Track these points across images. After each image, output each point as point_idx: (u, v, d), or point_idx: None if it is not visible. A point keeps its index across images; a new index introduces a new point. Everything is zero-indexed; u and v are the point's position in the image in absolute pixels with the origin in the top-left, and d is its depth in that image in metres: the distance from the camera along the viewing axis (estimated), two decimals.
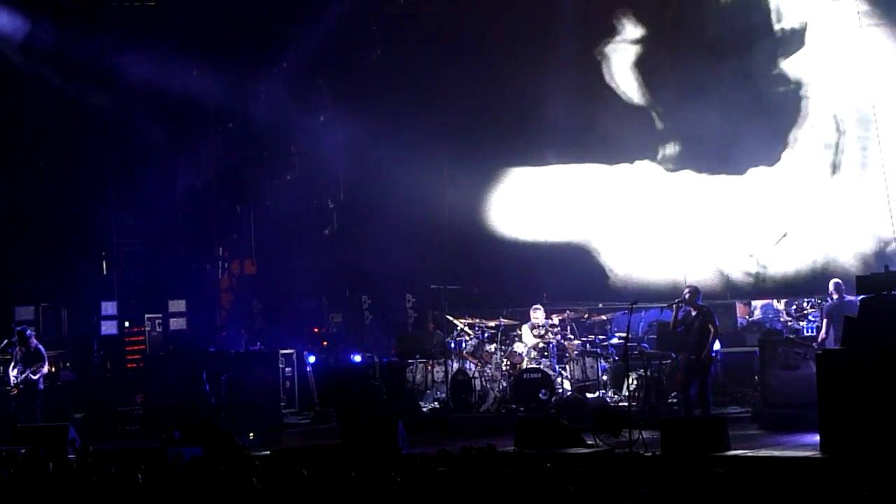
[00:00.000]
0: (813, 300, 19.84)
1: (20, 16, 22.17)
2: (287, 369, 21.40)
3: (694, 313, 17.22)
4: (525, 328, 19.88)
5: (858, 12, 20.15)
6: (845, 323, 15.17)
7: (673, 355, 18.42)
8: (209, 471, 11.45)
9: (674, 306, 17.38)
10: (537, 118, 22.20)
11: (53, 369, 20.94)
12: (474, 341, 20.14)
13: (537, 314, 19.82)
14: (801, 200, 20.64)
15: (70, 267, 23.43)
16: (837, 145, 20.46)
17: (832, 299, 18.01)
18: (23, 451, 13.64)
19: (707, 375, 17.25)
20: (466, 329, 20.37)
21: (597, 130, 21.82)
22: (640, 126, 21.72)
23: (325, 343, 23.67)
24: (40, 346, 19.66)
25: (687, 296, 17.24)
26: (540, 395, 18.79)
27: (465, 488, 10.07)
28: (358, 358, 22.10)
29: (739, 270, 21.04)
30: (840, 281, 18.11)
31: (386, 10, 23.76)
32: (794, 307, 20.53)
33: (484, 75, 22.64)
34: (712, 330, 17.12)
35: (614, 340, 19.62)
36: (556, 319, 19.90)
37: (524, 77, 22.35)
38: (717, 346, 19.35)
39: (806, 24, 20.68)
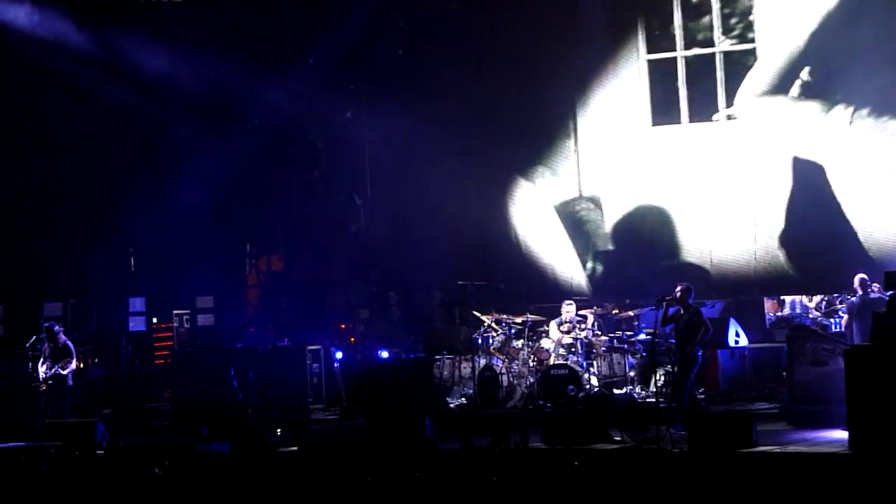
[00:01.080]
0: (844, 296, 19.37)
1: (46, 14, 22.22)
2: (314, 365, 21.41)
3: (682, 312, 16.86)
4: (552, 324, 19.81)
5: None
6: (874, 319, 15.08)
7: (699, 352, 17.96)
8: (236, 466, 11.49)
9: (663, 303, 16.76)
10: (566, 113, 22.16)
11: (82, 365, 21.01)
12: (501, 337, 20.11)
13: (569, 309, 19.71)
14: None
15: (98, 263, 23.48)
16: None
17: (857, 295, 17.84)
18: (52, 448, 13.72)
19: (690, 369, 16.72)
20: (493, 325, 20.34)
21: None
22: None
23: (352, 339, 23.68)
24: (69, 342, 19.71)
25: (678, 294, 16.81)
26: (567, 391, 18.76)
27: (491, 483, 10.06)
28: (385, 354, 22.10)
29: None
30: (866, 276, 17.90)
31: (412, 5, 23.72)
32: (825, 303, 20.36)
33: (511, 71, 22.59)
34: (702, 328, 16.65)
35: (642, 336, 19.51)
36: (590, 316, 19.76)
37: (552, 72, 22.30)
38: (744, 340, 19.33)
39: None
